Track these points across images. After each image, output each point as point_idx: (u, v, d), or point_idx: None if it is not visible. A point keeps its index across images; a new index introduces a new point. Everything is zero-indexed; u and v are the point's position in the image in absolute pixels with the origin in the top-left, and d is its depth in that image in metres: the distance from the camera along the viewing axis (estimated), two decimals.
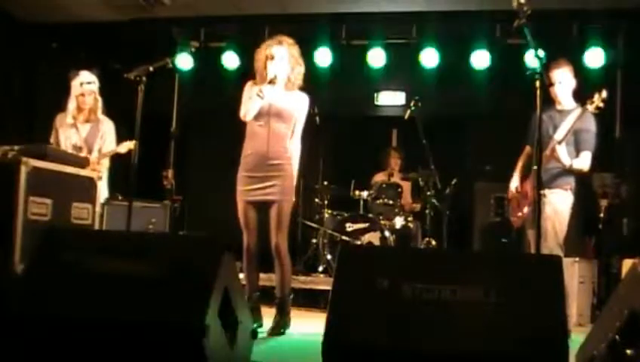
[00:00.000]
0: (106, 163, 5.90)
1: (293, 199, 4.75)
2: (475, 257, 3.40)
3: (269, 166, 4.63)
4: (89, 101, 5.77)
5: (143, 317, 2.82)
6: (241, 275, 5.04)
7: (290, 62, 4.74)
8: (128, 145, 5.63)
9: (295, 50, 4.78)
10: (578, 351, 3.12)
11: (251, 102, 4.60)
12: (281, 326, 4.72)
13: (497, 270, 2.84)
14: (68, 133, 5.76)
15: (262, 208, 4.69)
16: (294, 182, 4.76)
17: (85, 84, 5.73)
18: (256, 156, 4.66)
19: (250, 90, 4.69)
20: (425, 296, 2.70)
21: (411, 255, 3.35)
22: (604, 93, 4.78)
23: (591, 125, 4.96)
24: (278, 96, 4.69)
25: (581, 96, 5.04)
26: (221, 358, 2.90)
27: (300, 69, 4.80)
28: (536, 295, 2.72)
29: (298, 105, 4.78)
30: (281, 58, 4.70)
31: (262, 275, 4.92)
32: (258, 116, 4.67)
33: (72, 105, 5.76)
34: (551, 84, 4.45)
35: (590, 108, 4.83)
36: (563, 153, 4.91)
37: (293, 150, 4.77)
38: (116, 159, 5.97)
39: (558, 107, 5.09)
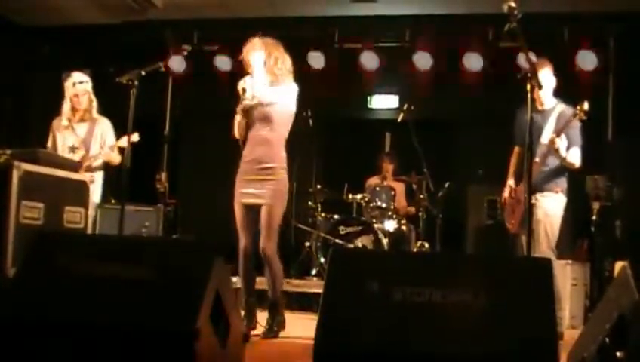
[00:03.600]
0: (116, 156, 5.87)
1: (285, 205, 4.76)
2: (466, 260, 3.40)
3: (262, 170, 4.67)
4: (83, 101, 5.75)
5: (134, 321, 2.81)
6: (235, 278, 5.06)
7: (269, 62, 4.70)
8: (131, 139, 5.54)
9: (273, 48, 4.74)
10: (569, 353, 3.13)
11: (236, 121, 4.71)
12: (274, 327, 4.73)
13: (487, 273, 2.85)
14: (64, 135, 5.75)
15: (255, 211, 4.70)
16: (287, 189, 4.78)
17: (78, 84, 5.71)
18: (250, 161, 4.71)
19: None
20: (415, 298, 2.70)
21: (401, 258, 3.35)
22: (586, 106, 4.80)
23: (575, 122, 4.99)
24: (262, 98, 4.70)
25: (570, 100, 5.06)
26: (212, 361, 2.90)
27: (282, 66, 4.75)
28: (527, 298, 2.72)
29: (285, 99, 4.72)
30: (254, 64, 4.69)
31: (258, 278, 4.94)
32: (251, 122, 4.73)
33: (66, 106, 5.75)
34: (541, 88, 4.46)
35: (574, 120, 4.87)
36: (562, 145, 4.92)
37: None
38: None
39: (540, 107, 5.09)
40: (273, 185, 4.65)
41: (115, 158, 5.85)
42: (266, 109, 4.68)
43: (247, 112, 4.71)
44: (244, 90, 4.65)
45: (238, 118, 4.71)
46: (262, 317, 4.84)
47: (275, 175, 4.67)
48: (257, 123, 4.70)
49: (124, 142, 5.54)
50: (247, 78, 4.69)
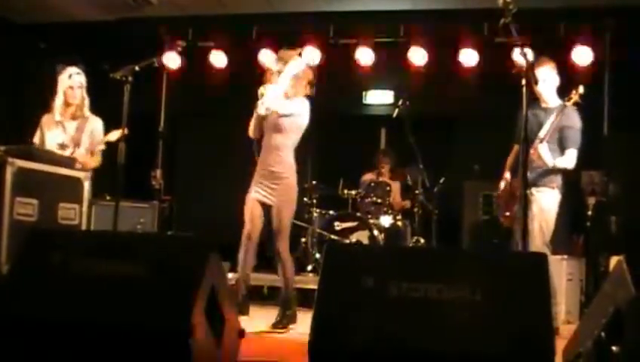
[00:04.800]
0: (98, 159, 5.64)
1: (294, 208, 5.07)
2: (462, 255, 3.40)
3: (271, 173, 4.98)
4: (77, 95, 5.51)
5: (129, 318, 2.80)
6: (230, 275, 5.06)
7: (295, 76, 5.03)
8: (117, 134, 5.29)
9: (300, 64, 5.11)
10: (565, 348, 3.13)
11: (253, 120, 5.06)
12: (283, 320, 4.98)
13: (483, 268, 2.84)
14: (54, 133, 5.50)
15: (265, 208, 5.01)
16: (295, 192, 5.10)
17: (75, 75, 5.50)
18: (262, 166, 5.03)
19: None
20: (411, 294, 2.70)
21: (397, 253, 3.35)
22: (582, 89, 4.83)
23: (575, 122, 4.98)
24: (275, 108, 4.97)
25: (566, 94, 5.05)
26: (208, 358, 2.89)
27: (305, 82, 5.12)
28: (523, 293, 2.72)
29: (299, 111, 5.03)
30: (287, 70, 4.99)
31: (255, 275, 5.12)
32: (265, 129, 5.05)
33: (59, 101, 5.51)
34: (536, 82, 4.46)
35: (568, 104, 4.87)
36: (545, 152, 4.93)
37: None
38: (105, 158, 5.86)
39: (543, 105, 5.11)
40: (281, 189, 4.97)
41: (92, 162, 5.55)
42: (278, 119, 4.96)
43: (262, 118, 5.03)
44: (262, 94, 4.94)
45: (254, 117, 5.02)
46: (266, 313, 5.05)
47: (282, 180, 4.97)
48: (270, 131, 5.00)
49: (113, 136, 5.51)
50: (268, 86, 4.98)
